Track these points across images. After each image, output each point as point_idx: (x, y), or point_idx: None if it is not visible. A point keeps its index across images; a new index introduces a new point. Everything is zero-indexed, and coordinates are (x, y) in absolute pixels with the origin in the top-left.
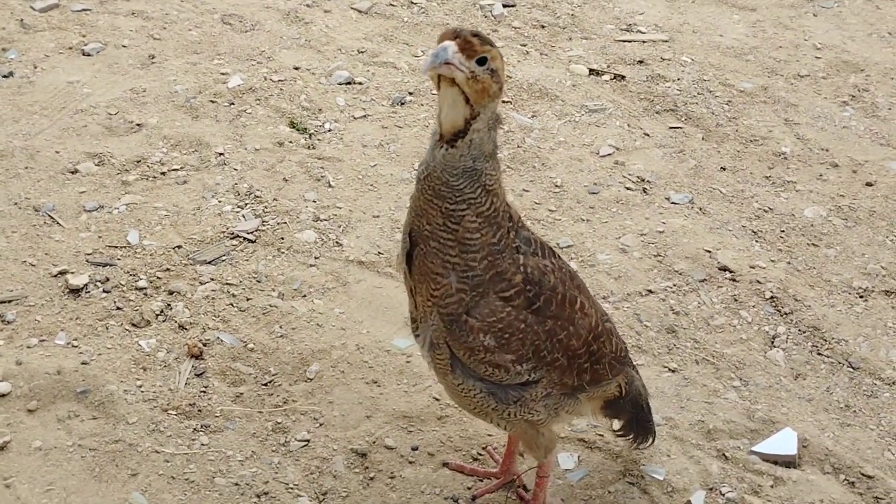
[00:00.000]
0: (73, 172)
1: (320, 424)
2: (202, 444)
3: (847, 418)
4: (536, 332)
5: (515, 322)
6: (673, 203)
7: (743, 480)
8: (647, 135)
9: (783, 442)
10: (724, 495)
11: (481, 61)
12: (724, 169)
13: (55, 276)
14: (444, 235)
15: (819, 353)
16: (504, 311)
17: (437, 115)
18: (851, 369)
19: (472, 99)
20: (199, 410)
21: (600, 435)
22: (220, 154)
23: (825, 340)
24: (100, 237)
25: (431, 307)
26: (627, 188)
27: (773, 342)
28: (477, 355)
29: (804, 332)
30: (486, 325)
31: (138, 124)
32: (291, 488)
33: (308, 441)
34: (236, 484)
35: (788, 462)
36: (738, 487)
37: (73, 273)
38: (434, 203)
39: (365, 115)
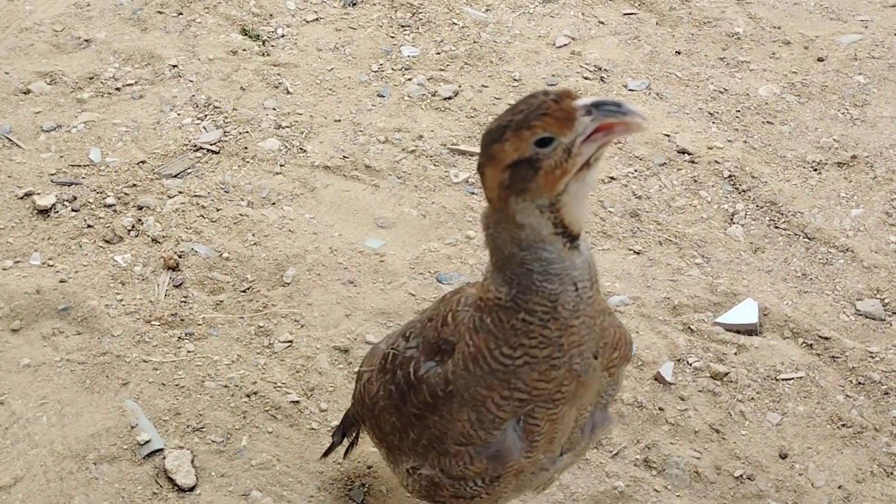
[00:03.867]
0: (25, 93)
1: (301, 325)
2: (188, 352)
3: (804, 286)
4: None
5: None
6: (630, 90)
7: (708, 350)
8: (602, 23)
9: (745, 312)
10: (690, 365)
11: None
12: (679, 53)
13: (21, 198)
14: (602, 302)
15: (776, 227)
16: None
17: (574, 214)
18: (807, 240)
19: None
20: (182, 320)
21: None
22: (174, 66)
23: (782, 214)
24: (61, 157)
25: (615, 373)
26: (585, 78)
27: (732, 219)
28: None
29: (762, 208)
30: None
31: (86, 40)
32: (279, 386)
33: (291, 342)
34: (226, 386)
35: (750, 330)
36: (703, 357)
37: (39, 194)
38: (597, 295)
39: (317, 18)
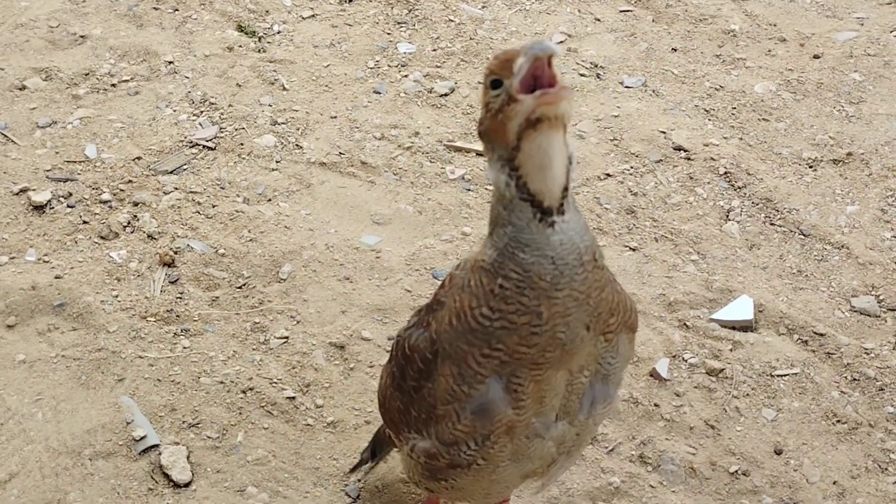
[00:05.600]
0: (21, 89)
1: (297, 322)
2: (184, 348)
3: (799, 282)
4: None
5: None
6: (627, 87)
7: (704, 346)
8: (598, 20)
9: (740, 308)
10: (686, 361)
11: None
12: (676, 50)
13: (16, 194)
14: (605, 278)
15: (772, 223)
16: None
17: (535, 182)
18: (803, 236)
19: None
20: (178, 316)
21: None
22: (170, 62)
23: (777, 211)
24: (57, 153)
25: (613, 338)
26: (581, 75)
27: (728, 216)
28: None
29: (757, 204)
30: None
31: (82, 36)
32: (275, 383)
33: (287, 338)
34: (221, 382)
35: (746, 327)
36: (699, 353)
37: (34, 190)
38: (597, 274)
39: (313, 15)
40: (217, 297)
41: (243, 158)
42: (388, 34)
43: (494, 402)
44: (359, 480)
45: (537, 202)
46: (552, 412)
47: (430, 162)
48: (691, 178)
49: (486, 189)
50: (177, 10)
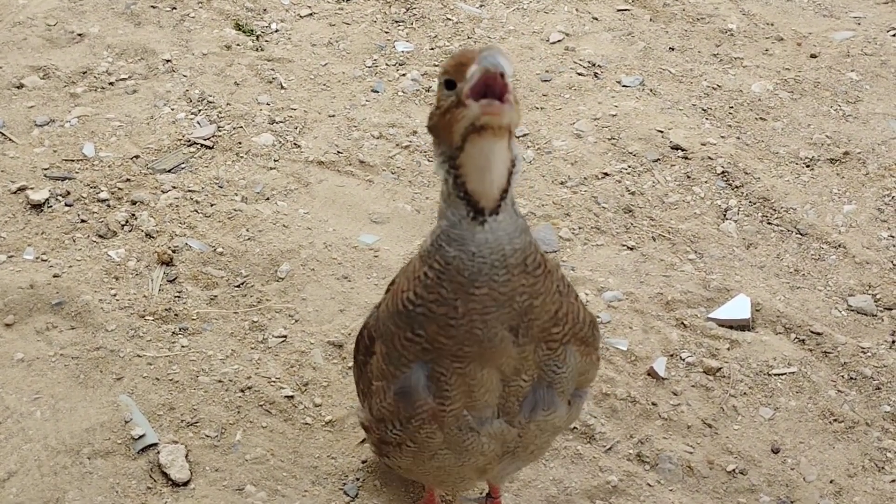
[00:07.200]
0: (18, 87)
1: (296, 321)
2: (182, 346)
3: (796, 282)
4: None
5: None
6: (624, 86)
7: (701, 345)
8: (596, 19)
9: (737, 307)
10: (683, 360)
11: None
12: (673, 49)
13: (14, 192)
14: (540, 286)
15: (769, 223)
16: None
17: (473, 183)
18: (800, 235)
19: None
20: (176, 314)
21: None
22: (168, 61)
23: (774, 210)
24: (55, 151)
25: (558, 347)
26: (579, 74)
27: (725, 215)
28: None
29: (754, 204)
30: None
31: (80, 34)
32: (273, 381)
33: (285, 337)
34: (220, 381)
35: (743, 325)
36: (696, 352)
37: (32, 188)
38: (524, 279)
39: (311, 14)
40: (215, 296)
41: (241, 157)
42: (386, 33)
43: (416, 388)
44: (357, 479)
45: (473, 201)
46: (486, 409)
47: (428, 161)
48: (689, 177)
49: None
50: (174, 8)
